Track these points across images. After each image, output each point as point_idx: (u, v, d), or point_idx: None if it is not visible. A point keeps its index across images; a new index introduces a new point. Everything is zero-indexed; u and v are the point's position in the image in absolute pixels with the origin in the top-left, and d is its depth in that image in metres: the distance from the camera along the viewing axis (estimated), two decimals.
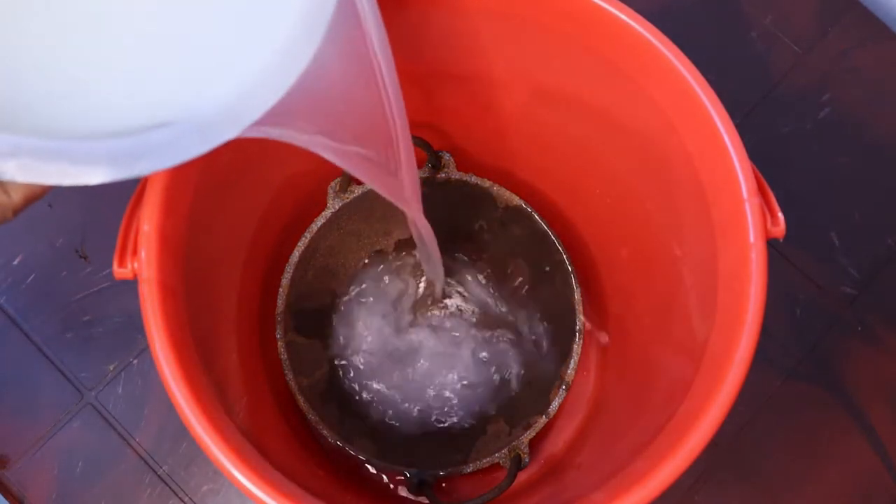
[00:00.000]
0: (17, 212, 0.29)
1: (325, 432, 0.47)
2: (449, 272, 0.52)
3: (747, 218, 0.32)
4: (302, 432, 0.47)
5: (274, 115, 0.27)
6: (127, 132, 0.25)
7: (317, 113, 0.30)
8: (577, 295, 0.49)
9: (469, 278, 0.52)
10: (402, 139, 0.34)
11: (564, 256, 0.49)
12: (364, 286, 0.52)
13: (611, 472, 0.34)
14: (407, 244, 0.53)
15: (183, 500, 0.51)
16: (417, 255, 0.50)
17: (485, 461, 0.47)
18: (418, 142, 0.46)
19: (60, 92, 0.26)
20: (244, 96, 0.26)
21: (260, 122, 0.27)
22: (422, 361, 0.50)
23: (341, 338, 0.51)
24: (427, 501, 0.46)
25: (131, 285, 0.32)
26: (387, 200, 0.50)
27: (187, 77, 0.27)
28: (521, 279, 0.52)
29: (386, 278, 0.52)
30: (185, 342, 0.32)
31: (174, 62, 0.27)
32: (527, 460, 0.47)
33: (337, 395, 0.50)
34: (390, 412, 0.50)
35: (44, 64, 0.26)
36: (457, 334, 0.50)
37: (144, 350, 0.53)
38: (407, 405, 0.49)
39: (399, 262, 0.53)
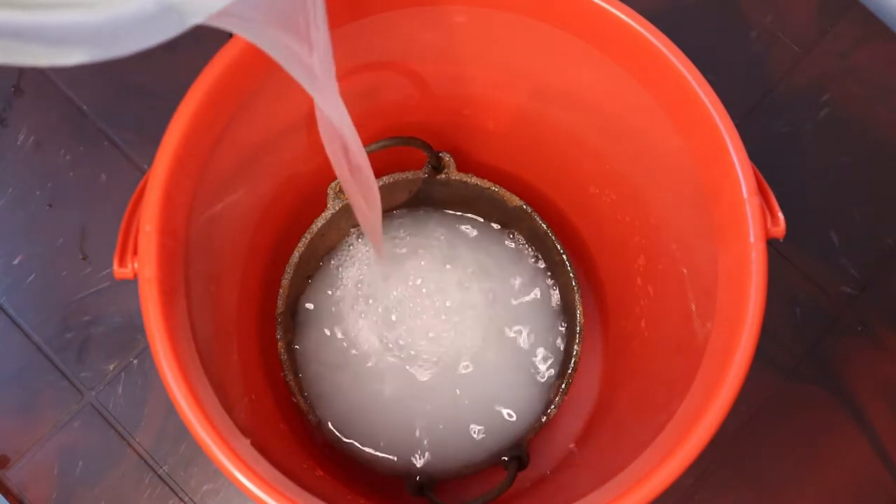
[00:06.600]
0: None
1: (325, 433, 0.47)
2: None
3: (747, 218, 0.32)
4: (302, 432, 0.47)
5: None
6: (100, 3, 0.24)
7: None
8: (577, 295, 0.49)
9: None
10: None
11: (564, 256, 0.49)
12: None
13: (611, 472, 0.34)
14: None
15: (183, 500, 0.51)
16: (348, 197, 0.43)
17: (485, 461, 0.47)
18: (418, 142, 0.46)
19: None
20: None
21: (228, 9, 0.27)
22: (421, 361, 0.50)
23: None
24: (427, 502, 0.46)
25: (131, 285, 0.32)
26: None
27: None
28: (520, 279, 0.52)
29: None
30: (185, 342, 0.32)
31: None
32: (527, 460, 0.47)
33: None
34: (390, 413, 0.50)
35: None
36: (456, 333, 0.50)
37: (144, 350, 0.53)
38: (406, 405, 0.49)
39: None
